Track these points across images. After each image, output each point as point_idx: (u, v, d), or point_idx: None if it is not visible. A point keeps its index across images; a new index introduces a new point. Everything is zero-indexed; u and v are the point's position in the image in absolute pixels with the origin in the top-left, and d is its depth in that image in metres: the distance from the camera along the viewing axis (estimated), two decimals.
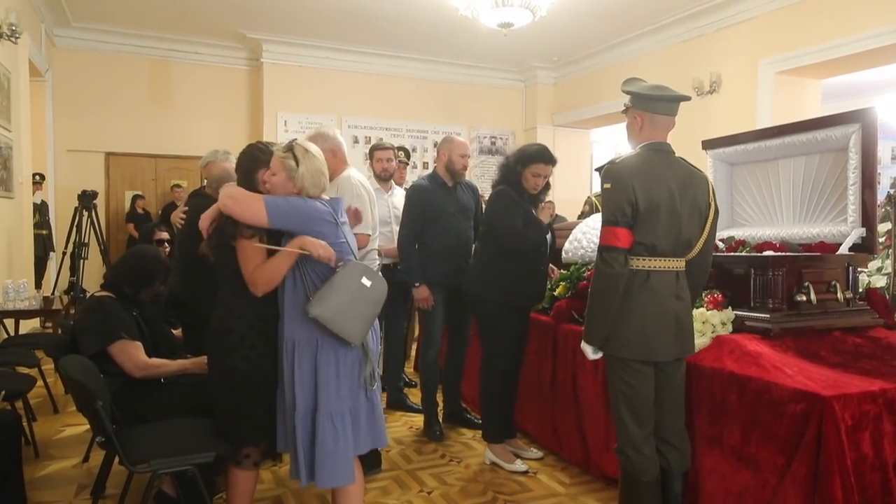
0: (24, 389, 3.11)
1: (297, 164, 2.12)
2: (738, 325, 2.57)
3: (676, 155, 2.20)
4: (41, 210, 7.21)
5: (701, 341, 2.48)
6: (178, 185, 8.33)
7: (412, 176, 6.41)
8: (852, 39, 5.74)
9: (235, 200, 2.08)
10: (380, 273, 2.14)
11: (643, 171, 2.09)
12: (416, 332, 4.52)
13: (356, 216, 2.84)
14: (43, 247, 7.25)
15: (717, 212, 2.21)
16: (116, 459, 2.44)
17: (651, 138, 2.15)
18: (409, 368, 4.86)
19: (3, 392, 2.67)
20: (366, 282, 2.07)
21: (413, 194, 3.57)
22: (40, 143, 7.37)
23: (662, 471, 2.17)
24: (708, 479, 2.36)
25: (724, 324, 2.57)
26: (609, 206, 2.09)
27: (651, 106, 2.14)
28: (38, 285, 6.59)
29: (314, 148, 2.21)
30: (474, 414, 3.75)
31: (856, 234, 2.74)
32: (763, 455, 2.15)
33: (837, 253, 2.72)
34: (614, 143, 11.64)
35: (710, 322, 2.55)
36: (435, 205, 3.49)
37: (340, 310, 2.01)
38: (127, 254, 3.11)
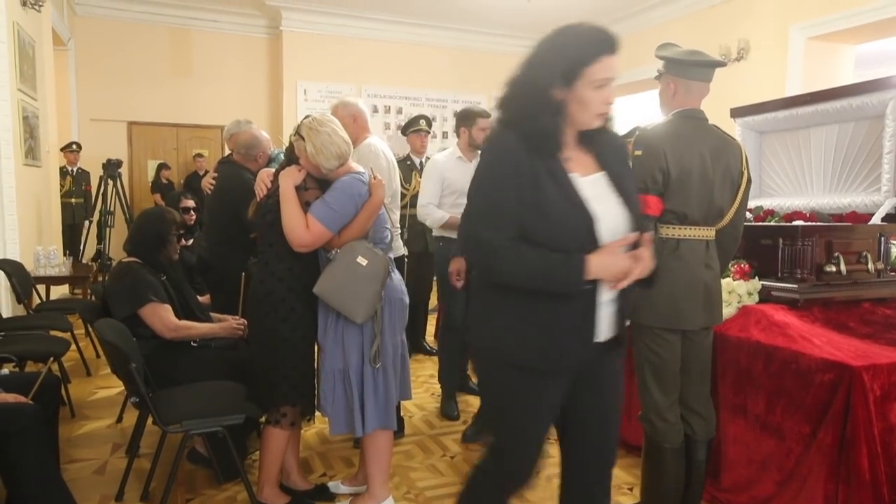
0: (59, 352, 3.20)
1: (305, 142, 2.17)
2: (765, 296, 2.55)
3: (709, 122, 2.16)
4: (78, 179, 7.33)
5: (727, 311, 2.47)
6: (199, 155, 8.36)
7: (433, 146, 6.34)
8: (888, 2, 5.53)
9: (304, 235, 2.13)
10: (377, 251, 2.18)
11: (675, 138, 2.05)
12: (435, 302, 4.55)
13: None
14: (84, 214, 7.35)
15: (749, 181, 2.17)
16: (149, 420, 2.51)
17: (684, 105, 2.11)
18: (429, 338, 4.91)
19: (51, 358, 2.74)
20: (361, 260, 2.14)
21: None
22: (65, 113, 7.43)
23: (686, 438, 2.19)
24: (731, 446, 2.38)
25: (750, 294, 2.55)
26: (640, 173, 2.06)
27: (685, 72, 2.10)
28: (74, 253, 6.66)
29: (324, 118, 2.22)
30: None
31: (889, 203, 2.69)
32: (788, 424, 2.15)
33: (870, 223, 2.67)
34: (638, 113, 11.42)
35: (736, 292, 2.53)
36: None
37: (335, 287, 2.13)
38: (133, 222, 3.14)
